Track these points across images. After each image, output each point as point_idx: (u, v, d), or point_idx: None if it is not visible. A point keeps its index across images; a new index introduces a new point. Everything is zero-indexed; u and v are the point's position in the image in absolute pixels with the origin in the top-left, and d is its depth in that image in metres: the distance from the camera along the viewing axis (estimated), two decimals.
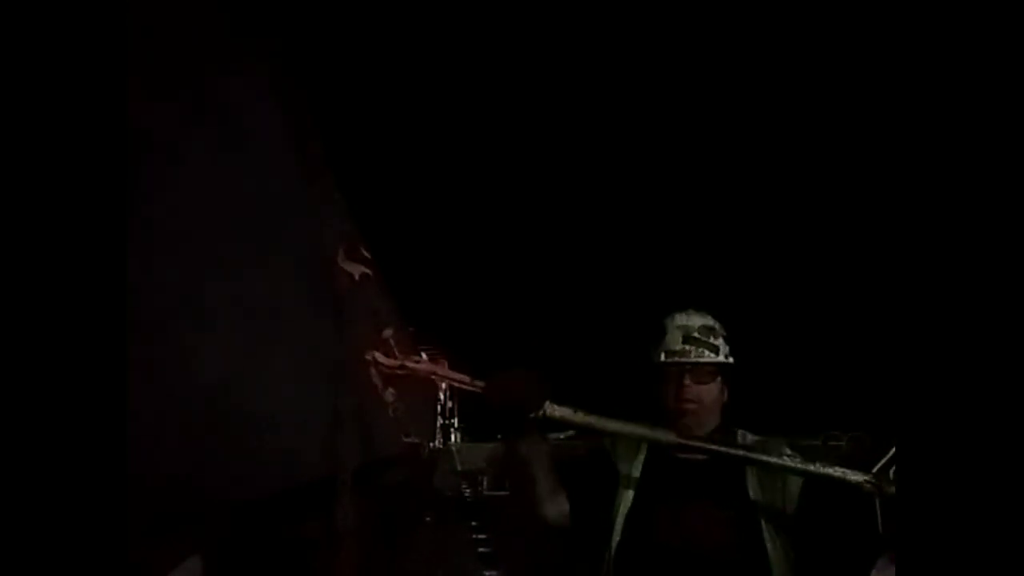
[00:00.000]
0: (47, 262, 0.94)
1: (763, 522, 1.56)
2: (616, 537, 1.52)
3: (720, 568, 1.50)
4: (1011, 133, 1.06)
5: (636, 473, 1.57)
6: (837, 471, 1.79)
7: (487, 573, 6.95)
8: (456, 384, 2.09)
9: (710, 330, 1.70)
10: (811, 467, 1.73)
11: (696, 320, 1.71)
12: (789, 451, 1.69)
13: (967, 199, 1.10)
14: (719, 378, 1.69)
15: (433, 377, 2.25)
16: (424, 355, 3.00)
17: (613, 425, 1.60)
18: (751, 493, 1.57)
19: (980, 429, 1.07)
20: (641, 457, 1.60)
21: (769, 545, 1.56)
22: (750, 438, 1.72)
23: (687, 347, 1.66)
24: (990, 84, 1.08)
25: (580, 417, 1.65)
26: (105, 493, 0.96)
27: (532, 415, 1.63)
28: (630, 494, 1.56)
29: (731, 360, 1.70)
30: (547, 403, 1.69)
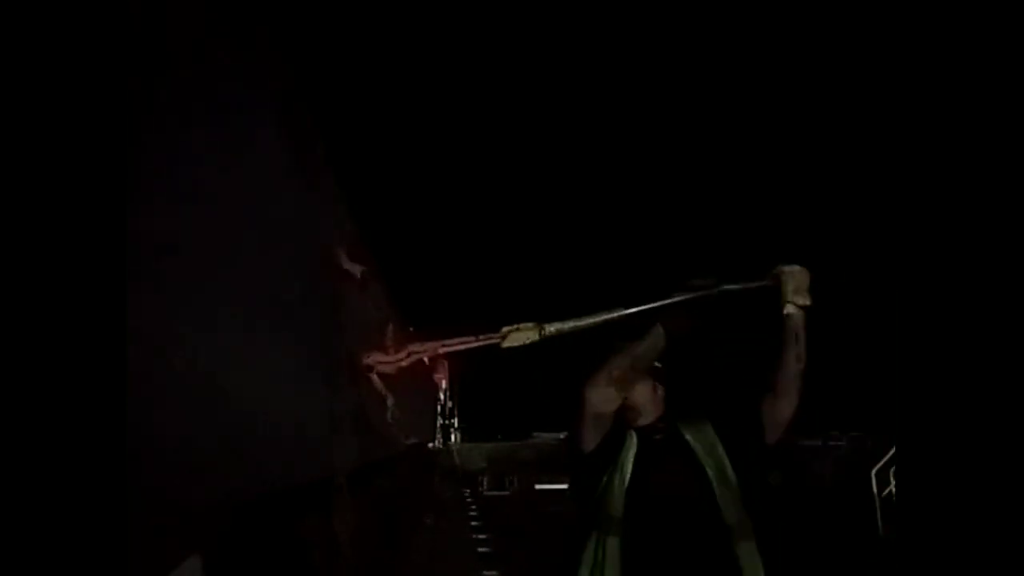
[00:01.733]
0: (47, 263, 0.94)
1: (707, 470, 2.00)
2: (624, 485, 1.99)
3: (687, 507, 1.97)
4: (1010, 134, 1.06)
5: (632, 449, 2.05)
6: (735, 286, 2.20)
7: (487, 573, 6.96)
8: (466, 347, 2.33)
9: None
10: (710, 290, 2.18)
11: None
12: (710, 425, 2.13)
13: (967, 201, 1.10)
14: (656, 376, 2.16)
15: (441, 351, 2.43)
16: (425, 357, 3.01)
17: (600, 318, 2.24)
18: (693, 448, 2.05)
19: (979, 429, 1.07)
20: (635, 442, 2.06)
21: (715, 481, 1.99)
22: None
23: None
24: (990, 84, 1.08)
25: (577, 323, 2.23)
26: (105, 493, 0.97)
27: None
28: (630, 462, 2.02)
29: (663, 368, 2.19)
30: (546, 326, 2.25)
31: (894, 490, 8.88)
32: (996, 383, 1.06)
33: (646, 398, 2.11)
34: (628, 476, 1.99)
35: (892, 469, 9.01)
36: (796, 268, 2.14)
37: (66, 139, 0.97)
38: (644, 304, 2.17)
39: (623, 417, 2.09)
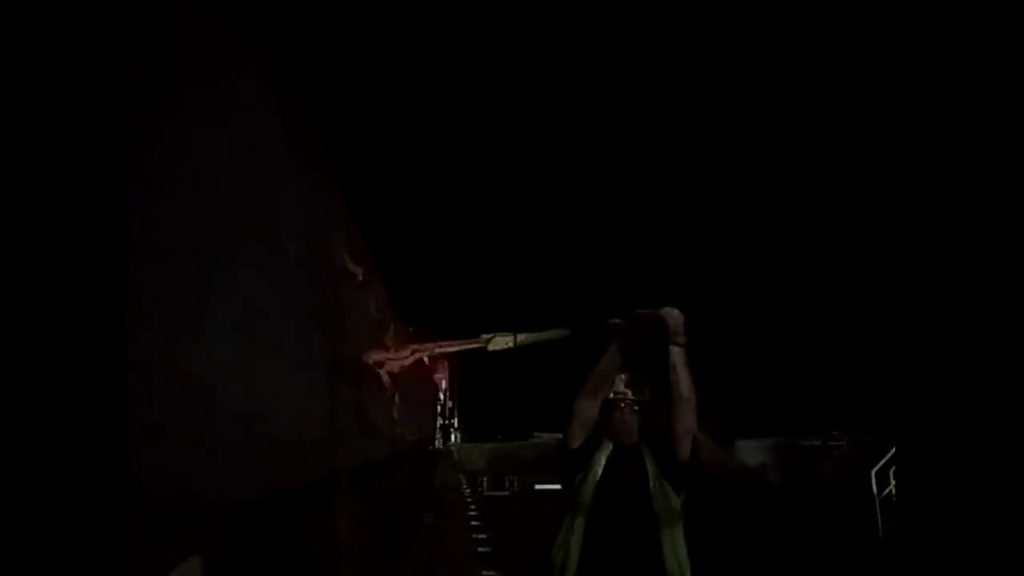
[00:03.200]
0: (47, 262, 0.94)
1: (649, 470, 2.59)
2: (595, 479, 2.59)
3: (632, 496, 2.54)
4: (1010, 134, 1.06)
5: (606, 452, 2.64)
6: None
7: (487, 573, 6.96)
8: (457, 349, 2.85)
9: (641, 382, 2.73)
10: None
11: (632, 375, 2.74)
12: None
13: (966, 201, 1.10)
14: (640, 412, 2.70)
15: (437, 352, 2.92)
16: (425, 356, 3.02)
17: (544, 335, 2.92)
18: (644, 457, 2.63)
19: (979, 430, 1.07)
20: (609, 446, 2.65)
21: (652, 482, 2.56)
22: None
23: (627, 391, 2.70)
24: (989, 85, 1.08)
25: (522, 339, 2.84)
26: (105, 493, 0.97)
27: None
28: (602, 462, 2.61)
29: (649, 400, 2.73)
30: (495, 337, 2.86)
31: (894, 490, 8.88)
32: (995, 383, 1.06)
33: (634, 426, 2.68)
34: (599, 473, 2.59)
35: (892, 469, 9.02)
36: (674, 311, 2.63)
37: (67, 140, 0.97)
38: (578, 329, 2.89)
39: (612, 433, 2.66)
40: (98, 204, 0.99)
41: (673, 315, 2.62)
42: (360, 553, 3.62)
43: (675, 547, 2.48)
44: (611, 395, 2.69)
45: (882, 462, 9.33)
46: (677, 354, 2.59)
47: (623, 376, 2.73)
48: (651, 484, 2.56)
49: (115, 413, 0.99)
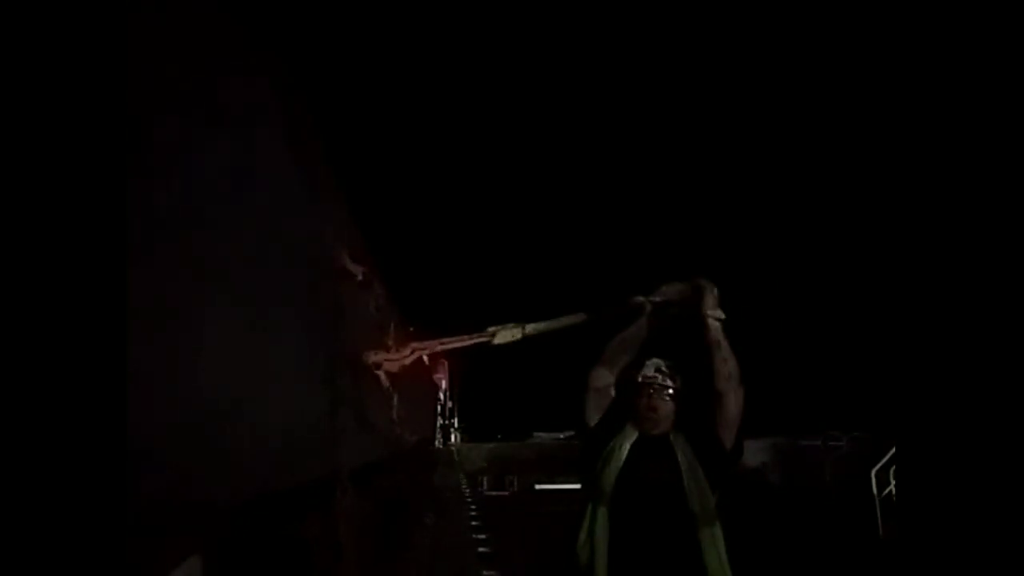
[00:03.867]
0: (47, 263, 0.94)
1: (682, 465, 2.37)
2: (618, 466, 2.39)
3: (665, 492, 2.35)
4: (1010, 135, 1.06)
5: (631, 439, 2.45)
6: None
7: (487, 573, 6.96)
8: (461, 345, 2.68)
9: (674, 369, 2.51)
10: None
11: (663, 362, 2.53)
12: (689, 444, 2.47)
13: (966, 202, 1.10)
14: (672, 400, 2.49)
15: (439, 349, 2.75)
16: (426, 354, 3.02)
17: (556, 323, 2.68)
18: (676, 450, 2.41)
19: (979, 430, 1.07)
20: (635, 434, 2.45)
21: (686, 477, 2.35)
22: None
23: (657, 375, 2.48)
24: (989, 85, 1.08)
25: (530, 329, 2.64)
26: (105, 493, 0.97)
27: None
28: (626, 449, 2.42)
29: (680, 389, 2.51)
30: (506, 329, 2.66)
31: (894, 490, 8.88)
32: (995, 383, 1.06)
33: (662, 414, 2.47)
34: (622, 460, 2.40)
35: (892, 469, 9.02)
36: (709, 284, 2.47)
37: (67, 140, 0.97)
38: (595, 313, 2.69)
39: (639, 419, 2.46)
40: (98, 204, 0.99)
41: (711, 287, 2.44)
42: (360, 553, 3.61)
43: (717, 548, 2.28)
44: (640, 379, 2.48)
45: (882, 462, 9.34)
46: (718, 329, 2.40)
47: (654, 361, 2.51)
48: (685, 480, 2.34)
49: (115, 413, 0.99)
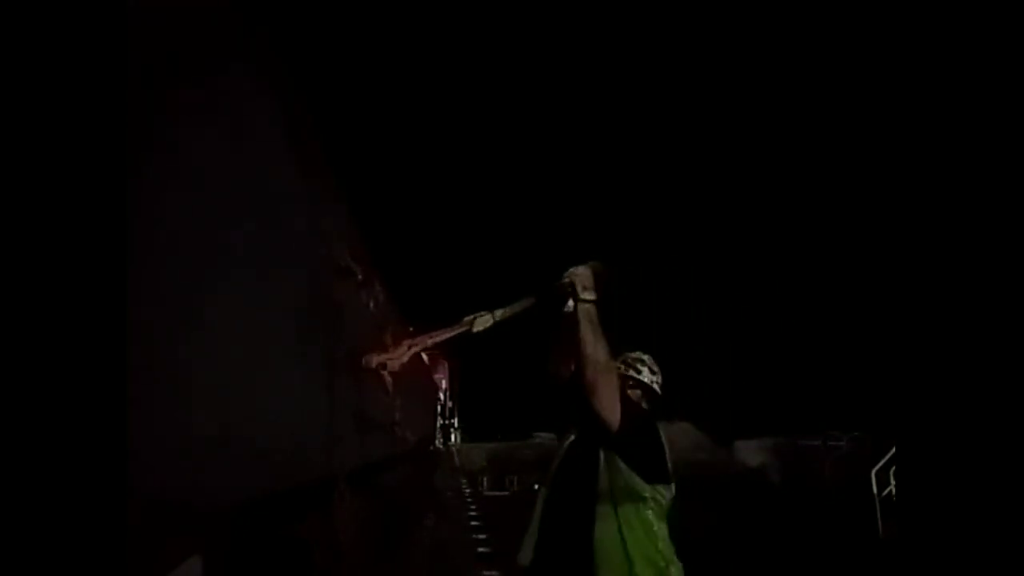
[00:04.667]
0: (49, 263, 0.94)
1: (600, 452, 2.51)
2: (562, 454, 2.70)
3: (579, 472, 2.55)
4: (1010, 135, 1.07)
5: (571, 436, 2.69)
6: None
7: (487, 573, 6.96)
8: (446, 336, 2.79)
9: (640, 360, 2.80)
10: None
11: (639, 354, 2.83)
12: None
13: (966, 202, 1.10)
14: (639, 391, 2.75)
15: (429, 343, 2.88)
16: (420, 350, 3.03)
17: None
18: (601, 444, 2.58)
19: (979, 430, 1.07)
20: (572, 437, 2.69)
21: (602, 462, 2.50)
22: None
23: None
24: (988, 85, 1.09)
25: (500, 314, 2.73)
26: (105, 493, 0.97)
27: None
28: (566, 445, 2.69)
29: (647, 382, 2.80)
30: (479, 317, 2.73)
31: (894, 490, 8.88)
32: (995, 383, 1.06)
33: (639, 397, 2.75)
34: (563, 451, 2.69)
35: (892, 469, 9.02)
36: (581, 269, 2.55)
37: (67, 140, 0.97)
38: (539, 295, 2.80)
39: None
40: (98, 204, 0.99)
41: (577, 272, 2.54)
42: (360, 553, 3.62)
43: (607, 524, 2.42)
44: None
45: (882, 462, 9.34)
46: (585, 312, 2.46)
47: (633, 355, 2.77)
48: (600, 462, 2.50)
49: (115, 413, 0.99)
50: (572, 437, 2.68)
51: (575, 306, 2.50)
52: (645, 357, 2.84)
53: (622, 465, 2.46)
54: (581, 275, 2.52)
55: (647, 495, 2.47)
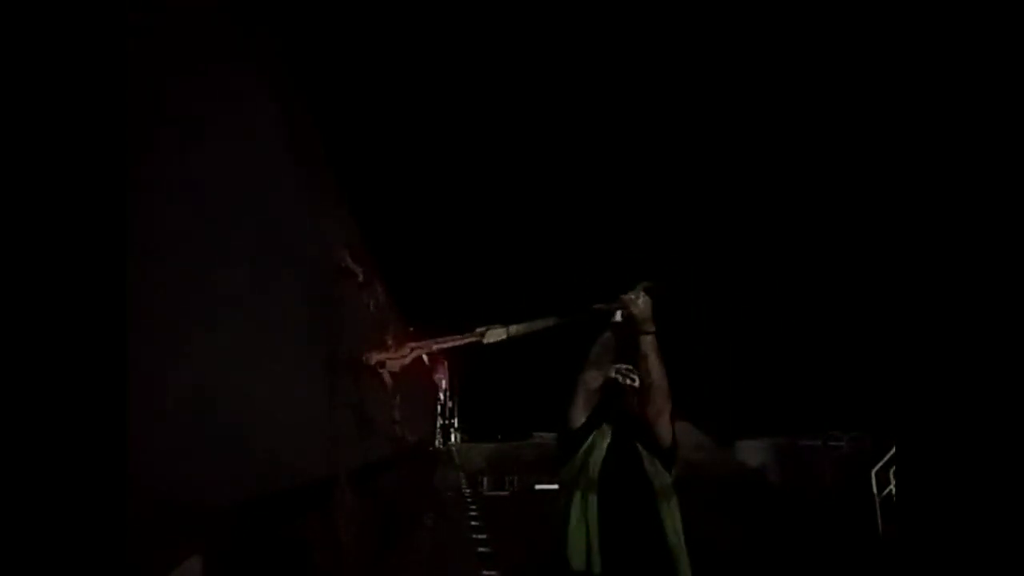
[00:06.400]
0: (48, 263, 0.94)
1: (642, 452, 2.60)
2: (601, 457, 2.62)
3: (635, 475, 2.57)
4: (1010, 135, 1.06)
5: (608, 437, 2.65)
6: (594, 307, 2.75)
7: (487, 573, 6.96)
8: (454, 344, 2.80)
9: (631, 371, 2.74)
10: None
11: (624, 366, 2.77)
12: None
13: (966, 202, 1.10)
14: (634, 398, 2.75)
15: (435, 348, 2.88)
16: (423, 354, 3.03)
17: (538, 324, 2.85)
18: (636, 440, 2.64)
19: (978, 430, 1.07)
20: (610, 430, 2.66)
21: (646, 461, 2.57)
22: None
23: (628, 374, 2.72)
24: (987, 86, 1.08)
25: (515, 330, 2.81)
26: (105, 493, 0.97)
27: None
28: (606, 442, 2.64)
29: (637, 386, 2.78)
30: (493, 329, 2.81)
31: (894, 490, 8.88)
32: (995, 383, 1.06)
33: (633, 410, 2.72)
34: (604, 452, 2.63)
35: (892, 469, 9.02)
36: (639, 299, 2.59)
37: (67, 141, 0.97)
38: (564, 317, 2.87)
39: (615, 416, 2.70)
40: (98, 205, 0.99)
41: (637, 304, 2.59)
42: (360, 553, 3.62)
43: (673, 520, 2.56)
44: (619, 379, 2.74)
45: (882, 462, 9.34)
46: (646, 344, 2.56)
47: (622, 366, 2.76)
48: (645, 463, 2.60)
49: (115, 413, 0.99)
50: (607, 440, 2.67)
51: (638, 338, 2.55)
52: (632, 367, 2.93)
53: (660, 466, 2.58)
54: (642, 308, 2.58)
55: (670, 483, 2.61)
